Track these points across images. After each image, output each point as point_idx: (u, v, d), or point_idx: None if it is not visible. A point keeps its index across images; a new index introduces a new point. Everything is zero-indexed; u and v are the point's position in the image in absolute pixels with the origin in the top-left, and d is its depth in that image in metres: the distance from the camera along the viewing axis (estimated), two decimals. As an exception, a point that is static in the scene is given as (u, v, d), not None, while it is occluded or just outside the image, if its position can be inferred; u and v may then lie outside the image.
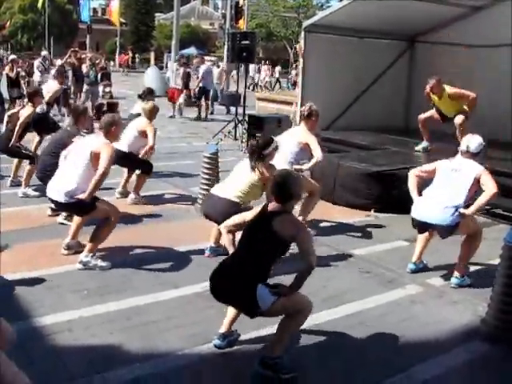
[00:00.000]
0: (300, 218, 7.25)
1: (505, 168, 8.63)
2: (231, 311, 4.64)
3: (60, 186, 6.21)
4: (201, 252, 6.71)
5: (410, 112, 13.77)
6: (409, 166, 9.39)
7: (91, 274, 6.04)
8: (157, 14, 75.93)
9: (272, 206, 4.40)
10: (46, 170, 7.52)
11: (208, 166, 8.30)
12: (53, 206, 7.81)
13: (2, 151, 9.29)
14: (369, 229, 8.12)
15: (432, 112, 10.29)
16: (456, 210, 5.90)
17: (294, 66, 41.40)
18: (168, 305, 5.41)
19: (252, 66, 32.50)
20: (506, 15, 10.48)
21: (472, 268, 6.50)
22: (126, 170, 9.17)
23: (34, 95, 9.35)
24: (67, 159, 6.45)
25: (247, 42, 14.85)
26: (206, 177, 8.31)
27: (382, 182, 8.89)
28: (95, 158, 6.10)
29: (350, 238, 7.67)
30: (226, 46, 26.88)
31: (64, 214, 7.46)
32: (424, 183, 6.44)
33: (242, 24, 29.19)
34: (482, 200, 5.91)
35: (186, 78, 20.30)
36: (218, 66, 24.92)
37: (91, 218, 6.44)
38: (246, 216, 4.62)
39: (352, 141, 11.57)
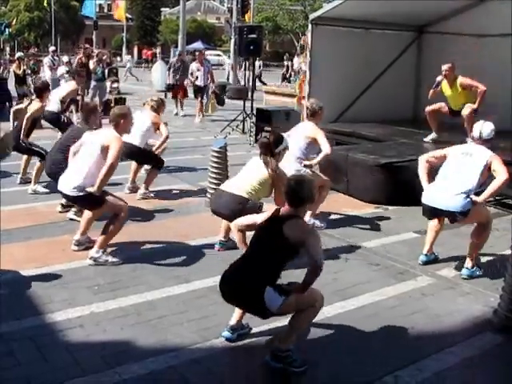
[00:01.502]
0: (309, 212, 7.27)
1: (507, 157, 8.50)
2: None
3: (71, 179, 6.22)
4: (211, 246, 6.72)
5: (418, 103, 13.69)
6: (417, 157, 9.40)
7: (102, 269, 6.05)
8: (163, 9, 75.94)
9: (284, 209, 4.40)
10: (55, 166, 7.55)
11: (216, 160, 8.28)
12: (63, 201, 7.86)
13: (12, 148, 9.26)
14: (378, 221, 8.09)
15: (440, 104, 10.25)
16: (467, 196, 5.88)
17: (296, 53, 40.92)
18: (179, 299, 5.42)
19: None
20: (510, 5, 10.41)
21: (483, 259, 6.47)
22: (133, 166, 9.17)
23: (43, 90, 9.32)
24: (77, 154, 6.45)
25: (254, 35, 14.82)
26: (215, 171, 8.29)
27: (391, 174, 8.85)
28: (104, 151, 6.10)
29: (359, 231, 7.66)
30: (232, 40, 26.85)
31: (74, 209, 7.48)
32: (434, 169, 6.40)
33: (249, 18, 29.12)
34: (493, 187, 5.86)
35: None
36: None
37: (101, 213, 6.45)
38: (257, 218, 4.61)
39: (360, 133, 11.53)
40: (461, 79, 9.75)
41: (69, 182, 6.23)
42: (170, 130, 14.87)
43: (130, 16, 66.37)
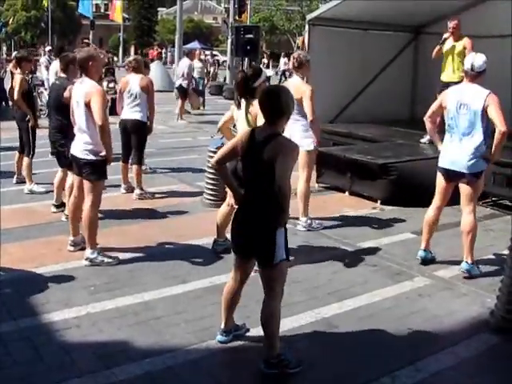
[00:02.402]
0: (302, 210, 7.28)
1: (508, 158, 8.52)
2: (224, 304, 4.58)
3: (79, 143, 6.13)
4: (208, 246, 6.70)
5: (415, 104, 13.71)
6: (415, 158, 9.42)
7: (98, 269, 6.03)
8: (160, 9, 75.87)
9: (260, 129, 4.20)
10: (56, 133, 7.50)
11: (213, 161, 8.26)
12: (55, 201, 7.84)
13: (21, 129, 9.12)
14: (375, 221, 8.08)
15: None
16: (479, 158, 5.86)
17: (283, 54, 40.70)
18: (176, 300, 5.41)
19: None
20: (510, 5, 10.41)
21: (480, 260, 6.46)
22: (121, 167, 9.12)
23: (23, 60, 9.18)
24: (74, 116, 6.32)
25: (251, 35, 14.86)
26: (212, 171, 8.28)
27: (387, 175, 8.86)
28: (89, 108, 5.92)
29: (356, 231, 7.64)
30: (229, 40, 26.83)
31: (66, 213, 7.43)
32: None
33: (246, 18, 29.12)
34: (496, 145, 5.82)
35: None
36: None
37: (84, 197, 6.35)
38: (233, 144, 4.36)
39: (357, 133, 11.52)
40: (467, 39, 9.86)
41: (80, 148, 6.11)
42: (166, 130, 14.96)
43: (126, 16, 66.25)
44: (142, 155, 9.13)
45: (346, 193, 9.40)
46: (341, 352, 4.64)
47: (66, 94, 7.08)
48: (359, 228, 7.81)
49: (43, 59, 19.65)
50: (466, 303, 5.59)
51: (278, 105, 4.08)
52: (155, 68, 26.64)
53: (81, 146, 6.11)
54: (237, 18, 26.89)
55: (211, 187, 8.35)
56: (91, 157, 6.04)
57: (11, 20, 62.89)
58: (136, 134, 8.84)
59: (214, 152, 8.24)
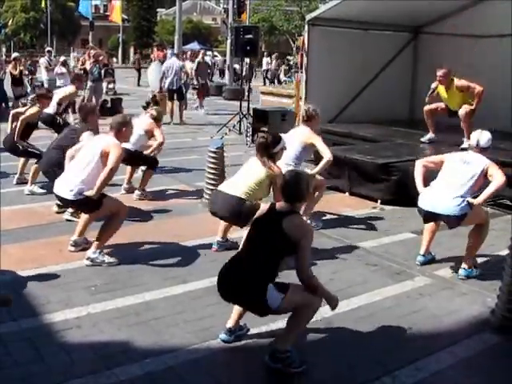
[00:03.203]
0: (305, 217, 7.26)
1: (507, 158, 8.54)
2: (238, 306, 4.64)
3: (68, 183, 6.18)
4: (208, 246, 6.71)
5: (414, 104, 13.71)
6: (415, 157, 9.41)
7: (99, 270, 6.03)
8: (159, 10, 75.81)
9: (280, 205, 4.37)
10: (50, 164, 7.55)
11: (213, 161, 8.28)
12: (59, 202, 7.84)
13: (8, 151, 9.25)
14: (375, 221, 8.09)
15: (438, 104, 10.25)
16: (463, 201, 5.90)
17: (266, 53, 40.40)
18: (176, 300, 5.41)
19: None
20: (509, 5, 10.43)
21: (480, 259, 6.47)
22: (128, 167, 9.13)
23: (43, 97, 9.31)
24: (76, 157, 6.41)
25: (250, 36, 14.85)
26: (212, 171, 8.29)
27: (387, 175, 8.86)
28: (104, 156, 6.07)
29: (356, 231, 7.66)
30: (228, 41, 26.87)
31: (70, 210, 7.47)
32: (430, 174, 6.42)
33: (245, 18, 29.16)
34: (490, 189, 5.90)
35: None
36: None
37: (98, 216, 6.44)
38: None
39: (357, 133, 11.53)
40: (457, 82, 9.71)
41: (66, 186, 6.18)
42: (166, 130, 14.93)
43: (126, 17, 66.23)
44: (152, 163, 9.06)
45: (347, 193, 9.43)
46: (341, 351, 4.64)
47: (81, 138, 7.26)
48: (359, 228, 7.82)
49: (43, 60, 19.67)
50: (466, 302, 5.59)
51: (298, 191, 4.34)
52: (155, 68, 26.62)
53: (68, 186, 6.15)
54: (236, 18, 26.93)
55: (211, 187, 8.33)
56: (78, 196, 6.11)
57: (10, 21, 62.87)
58: (126, 162, 8.67)
59: (214, 152, 8.28)
